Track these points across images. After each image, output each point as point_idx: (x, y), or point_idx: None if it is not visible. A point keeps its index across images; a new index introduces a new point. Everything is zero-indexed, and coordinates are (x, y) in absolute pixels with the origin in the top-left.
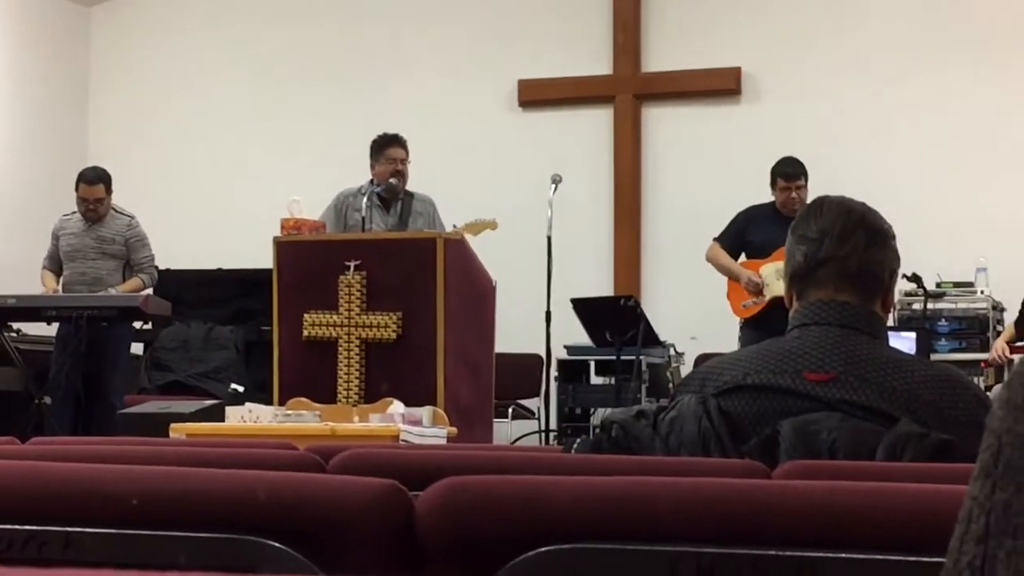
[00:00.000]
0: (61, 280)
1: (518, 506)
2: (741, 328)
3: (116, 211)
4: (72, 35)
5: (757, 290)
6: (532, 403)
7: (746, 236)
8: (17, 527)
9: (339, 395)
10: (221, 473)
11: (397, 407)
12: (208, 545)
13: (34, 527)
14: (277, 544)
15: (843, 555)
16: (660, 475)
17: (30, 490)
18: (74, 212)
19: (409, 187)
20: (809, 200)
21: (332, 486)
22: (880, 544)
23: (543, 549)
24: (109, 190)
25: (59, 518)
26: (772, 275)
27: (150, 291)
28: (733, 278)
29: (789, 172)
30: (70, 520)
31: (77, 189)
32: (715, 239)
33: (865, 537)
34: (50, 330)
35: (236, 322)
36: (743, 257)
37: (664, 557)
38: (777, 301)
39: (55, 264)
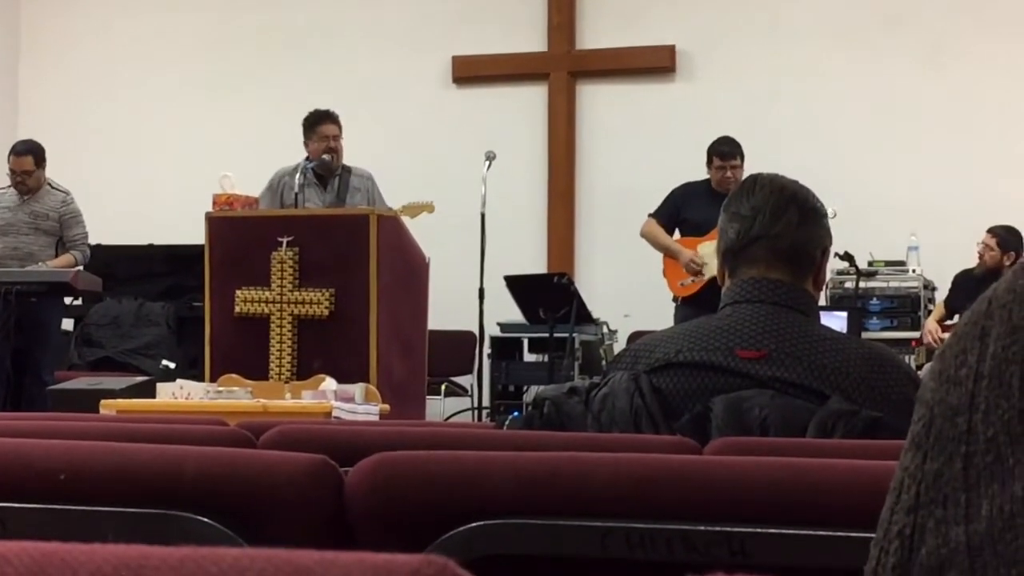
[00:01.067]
0: None
1: (448, 481)
2: (677, 307)
3: (51, 187)
4: (1, 7)
5: (697, 269)
6: (465, 380)
7: (682, 213)
8: None
9: (271, 372)
10: (149, 448)
11: (329, 384)
12: (136, 520)
13: None
14: (206, 519)
15: (773, 530)
16: (591, 451)
17: None
18: (9, 187)
19: (344, 163)
20: None
21: (261, 461)
22: (810, 520)
23: (473, 524)
24: (39, 163)
25: None
26: (711, 254)
27: (81, 268)
28: (671, 256)
29: (725, 151)
30: None
31: (8, 161)
32: (650, 215)
33: (795, 513)
34: None
35: (167, 298)
36: (677, 234)
37: (594, 532)
38: (715, 280)
39: None
